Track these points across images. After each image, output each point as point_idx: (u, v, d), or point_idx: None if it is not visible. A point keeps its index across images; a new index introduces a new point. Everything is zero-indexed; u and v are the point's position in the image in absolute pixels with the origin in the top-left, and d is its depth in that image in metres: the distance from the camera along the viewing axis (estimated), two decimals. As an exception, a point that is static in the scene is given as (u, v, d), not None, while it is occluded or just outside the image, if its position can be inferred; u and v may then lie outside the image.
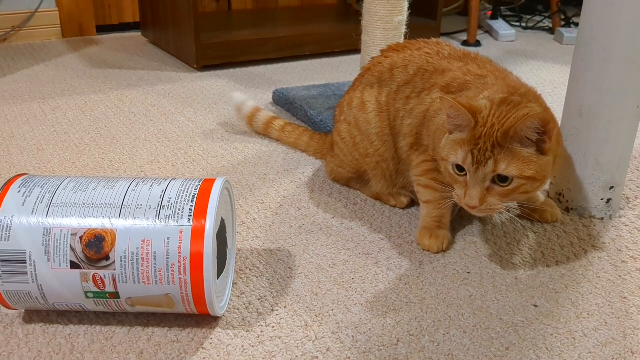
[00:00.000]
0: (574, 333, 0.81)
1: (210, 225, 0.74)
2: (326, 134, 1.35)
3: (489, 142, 0.84)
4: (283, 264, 0.96)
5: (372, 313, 0.84)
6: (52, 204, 0.76)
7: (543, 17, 2.88)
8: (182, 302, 0.76)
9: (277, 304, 0.86)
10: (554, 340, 0.80)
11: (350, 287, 0.90)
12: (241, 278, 0.92)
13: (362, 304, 0.86)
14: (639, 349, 0.79)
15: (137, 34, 2.58)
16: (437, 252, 0.99)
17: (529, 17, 2.87)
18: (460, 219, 1.09)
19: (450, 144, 0.88)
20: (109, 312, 0.83)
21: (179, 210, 0.75)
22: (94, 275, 0.74)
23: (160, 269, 0.74)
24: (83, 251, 0.73)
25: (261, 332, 0.81)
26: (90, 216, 0.75)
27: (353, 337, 0.80)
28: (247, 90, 1.85)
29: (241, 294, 0.88)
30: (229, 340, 0.79)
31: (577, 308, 0.86)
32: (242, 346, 0.78)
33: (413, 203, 1.14)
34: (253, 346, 0.78)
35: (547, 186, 1.19)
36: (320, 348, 0.78)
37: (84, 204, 0.76)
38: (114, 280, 0.74)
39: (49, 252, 0.74)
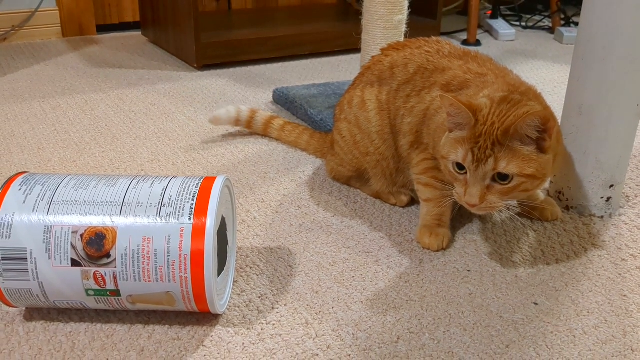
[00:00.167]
0: (574, 331, 0.81)
1: (211, 223, 0.74)
2: (326, 133, 1.35)
3: (489, 140, 0.84)
4: (283, 262, 0.96)
5: (373, 311, 0.85)
6: (53, 202, 0.76)
7: (543, 17, 2.88)
8: (182, 299, 0.76)
9: (277, 302, 0.86)
10: (554, 338, 0.80)
11: (350, 285, 0.90)
12: (242, 276, 0.92)
13: (362, 302, 0.86)
14: (639, 347, 0.79)
15: (137, 34, 2.58)
16: (437, 250, 0.99)
17: (528, 16, 2.87)
18: (460, 217, 1.09)
19: (451, 142, 0.88)
20: (109, 310, 0.84)
21: (180, 208, 0.76)
22: (94, 273, 0.74)
23: (161, 266, 0.74)
24: (84, 249, 0.74)
25: (262, 329, 0.81)
26: (91, 214, 0.75)
27: (353, 334, 0.80)
28: (247, 89, 1.85)
29: (242, 292, 0.88)
30: (229, 337, 0.79)
31: (577, 306, 0.86)
32: (243, 344, 0.78)
33: (413, 201, 1.14)
34: (254, 344, 0.78)
35: (547, 184, 1.19)
36: (321, 345, 0.78)
37: (85, 201, 0.76)
38: (115, 278, 0.74)
39: (49, 249, 0.74)
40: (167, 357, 0.76)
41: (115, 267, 0.74)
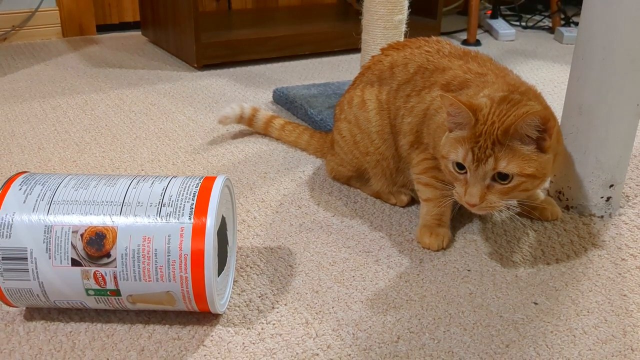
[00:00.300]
0: (574, 330, 0.81)
1: (211, 223, 0.74)
2: (326, 133, 1.35)
3: (489, 139, 0.84)
4: (283, 262, 0.96)
5: (373, 310, 0.85)
6: (53, 202, 0.76)
7: (543, 17, 2.88)
8: (183, 299, 0.76)
9: (277, 302, 0.86)
10: (554, 338, 0.80)
11: (350, 284, 0.90)
12: (242, 276, 0.92)
13: (362, 302, 0.86)
14: (639, 346, 0.79)
15: (137, 33, 2.58)
16: (437, 250, 0.99)
17: (528, 16, 2.88)
18: (460, 217, 1.09)
19: (451, 142, 0.88)
20: (109, 310, 0.84)
21: (180, 207, 0.76)
22: (95, 273, 0.74)
23: (161, 266, 0.74)
24: (84, 248, 0.74)
25: (262, 329, 0.81)
26: (91, 214, 0.75)
27: (353, 334, 0.80)
28: (247, 89, 1.86)
29: (242, 292, 0.88)
30: (229, 337, 0.79)
31: (577, 305, 0.86)
32: (243, 343, 0.78)
33: (413, 201, 1.14)
34: (254, 343, 0.78)
35: (547, 184, 1.19)
36: (321, 345, 0.78)
37: (85, 201, 0.76)
38: (115, 278, 0.74)
39: (50, 249, 0.74)
40: (167, 356, 0.76)
41: (116, 266, 0.74)
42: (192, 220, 0.75)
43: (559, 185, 1.13)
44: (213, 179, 0.81)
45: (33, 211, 0.75)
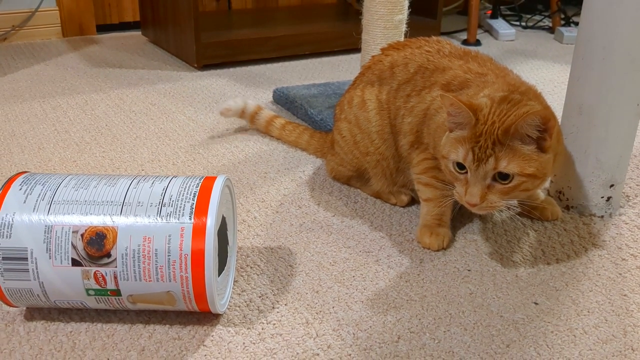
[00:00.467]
0: (574, 330, 0.81)
1: (211, 223, 0.74)
2: (326, 133, 1.35)
3: (490, 139, 0.84)
4: (284, 262, 0.96)
5: (373, 310, 0.85)
6: (53, 202, 0.76)
7: (543, 17, 2.88)
8: (183, 299, 0.76)
9: (278, 302, 0.86)
10: (555, 338, 0.80)
11: (350, 284, 0.90)
12: (242, 276, 0.92)
13: (362, 302, 0.86)
14: (639, 346, 0.79)
15: (137, 33, 2.58)
16: (438, 250, 0.99)
17: (528, 16, 2.88)
18: (460, 216, 1.09)
19: (451, 142, 0.88)
20: (110, 310, 0.84)
21: (180, 207, 0.76)
22: (95, 273, 0.74)
23: (161, 266, 0.74)
24: (84, 248, 0.74)
25: (262, 329, 0.81)
26: (91, 213, 0.75)
27: (354, 334, 0.80)
28: (248, 89, 1.86)
29: (242, 292, 0.88)
30: (230, 337, 0.79)
31: (577, 305, 0.86)
32: (243, 343, 0.78)
33: (413, 201, 1.14)
34: (254, 343, 0.78)
35: (547, 184, 1.19)
36: (321, 345, 0.78)
37: (85, 201, 0.76)
38: (115, 278, 0.74)
39: (50, 249, 0.74)
40: (167, 356, 0.76)
41: (116, 266, 0.74)
42: (193, 220, 0.75)
43: (559, 185, 1.13)
44: (213, 178, 0.81)
45: (33, 211, 0.75)
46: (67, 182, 0.79)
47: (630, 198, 1.17)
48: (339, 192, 1.19)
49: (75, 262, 0.74)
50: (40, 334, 0.79)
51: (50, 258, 0.74)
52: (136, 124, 1.55)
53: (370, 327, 0.81)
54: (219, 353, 0.76)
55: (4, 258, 0.74)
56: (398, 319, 0.83)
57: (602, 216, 1.10)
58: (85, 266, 0.74)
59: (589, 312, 0.85)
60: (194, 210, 0.75)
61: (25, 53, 2.25)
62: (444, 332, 0.81)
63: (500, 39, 2.57)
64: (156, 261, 0.74)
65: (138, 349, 0.77)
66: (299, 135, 1.38)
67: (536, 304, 0.87)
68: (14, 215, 0.75)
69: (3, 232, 0.74)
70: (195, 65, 2.06)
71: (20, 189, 0.78)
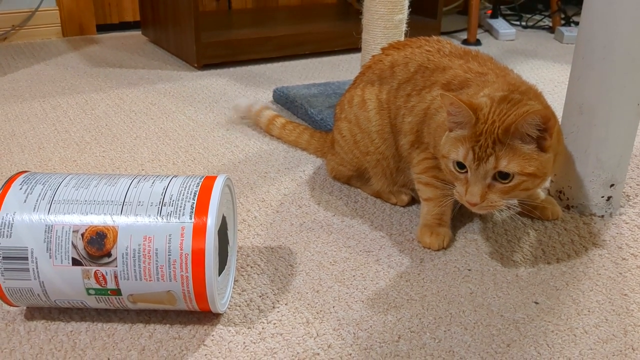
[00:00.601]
0: (575, 330, 0.81)
1: (211, 222, 0.74)
2: (326, 132, 1.35)
3: (490, 138, 0.84)
4: (284, 262, 0.96)
5: (373, 310, 0.85)
6: (53, 201, 0.76)
7: (543, 16, 2.88)
8: (183, 298, 0.76)
9: (278, 301, 0.86)
10: (555, 337, 0.80)
11: (351, 284, 0.90)
12: (242, 275, 0.92)
13: (363, 301, 0.86)
14: (640, 346, 0.79)
15: (137, 33, 2.58)
16: (438, 250, 0.99)
17: (529, 16, 2.87)
18: (461, 216, 1.09)
19: (451, 141, 0.88)
20: (110, 309, 0.84)
21: (181, 207, 0.76)
22: (95, 272, 0.74)
23: (161, 265, 0.74)
24: (85, 248, 0.74)
25: (262, 328, 0.81)
26: (91, 213, 0.75)
27: (354, 333, 0.80)
28: (248, 88, 1.85)
29: (242, 291, 0.88)
30: (230, 337, 0.79)
31: (577, 305, 0.86)
32: (244, 343, 0.78)
33: (414, 201, 1.14)
34: (254, 343, 0.78)
35: (547, 184, 1.19)
36: (322, 345, 0.78)
37: (86, 200, 0.76)
38: (116, 277, 0.74)
39: (50, 248, 0.74)
40: (168, 356, 0.76)
41: (116, 266, 0.74)
42: (193, 219, 0.75)
43: (559, 185, 1.13)
44: (214, 178, 0.81)
45: (34, 211, 0.75)
46: (68, 181, 0.79)
47: (631, 197, 1.17)
48: (339, 192, 1.19)
49: (75, 262, 0.74)
50: (40, 333, 0.79)
51: (50, 257, 0.74)
52: (136, 123, 1.55)
53: (371, 326, 0.81)
54: (220, 352, 0.76)
55: (4, 257, 0.74)
56: (398, 318, 0.83)
57: (603, 216, 1.10)
58: (86, 266, 0.74)
59: (589, 311, 0.85)
60: (194, 209, 0.75)
61: (25, 53, 2.25)
62: (445, 331, 0.81)
63: (501, 39, 2.57)
64: (156, 261, 0.74)
65: (138, 349, 0.77)
66: (299, 135, 1.38)
67: (537, 303, 0.87)
68: (14, 214, 0.75)
69: (3, 231, 0.74)
70: (196, 65, 2.06)
71: (21, 189, 0.78)
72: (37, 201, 0.76)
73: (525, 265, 0.96)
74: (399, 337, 0.79)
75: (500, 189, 0.86)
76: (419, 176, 1.03)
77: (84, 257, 0.74)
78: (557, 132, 0.93)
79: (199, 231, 0.74)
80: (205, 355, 0.76)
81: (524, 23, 2.83)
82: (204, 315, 0.83)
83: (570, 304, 0.87)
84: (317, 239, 1.02)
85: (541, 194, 1.11)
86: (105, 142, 1.43)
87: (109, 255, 0.74)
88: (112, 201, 0.76)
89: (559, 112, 1.02)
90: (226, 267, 0.86)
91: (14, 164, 1.30)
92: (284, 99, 1.66)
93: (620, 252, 0.99)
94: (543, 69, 2.13)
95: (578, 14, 2.72)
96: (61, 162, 1.32)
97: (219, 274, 0.81)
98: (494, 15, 2.73)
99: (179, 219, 0.75)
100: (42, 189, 0.77)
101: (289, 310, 0.84)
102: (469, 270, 0.94)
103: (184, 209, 0.75)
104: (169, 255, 0.74)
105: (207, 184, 0.79)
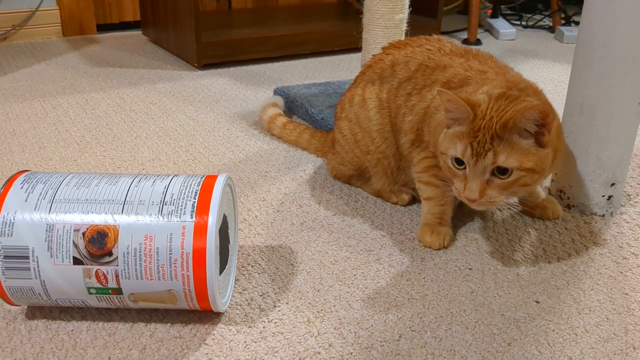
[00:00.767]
0: (576, 329, 0.81)
1: (212, 221, 0.74)
2: (327, 132, 1.35)
3: (488, 134, 0.84)
4: (285, 261, 0.96)
5: (374, 309, 0.85)
6: (54, 200, 0.76)
7: (543, 16, 2.88)
8: (184, 298, 0.76)
9: (279, 300, 0.86)
10: (556, 336, 0.80)
11: (352, 283, 0.90)
12: (243, 274, 0.92)
13: (364, 300, 0.86)
14: (641, 345, 0.79)
15: (137, 33, 2.58)
16: (439, 249, 0.99)
17: (529, 15, 2.87)
18: (461, 215, 1.09)
19: (449, 138, 0.88)
20: (111, 308, 0.84)
21: (182, 206, 0.76)
22: (96, 271, 0.74)
23: (162, 264, 0.74)
24: (86, 247, 0.74)
25: (263, 327, 0.81)
26: (92, 212, 0.75)
27: (355, 332, 0.80)
28: (248, 88, 1.85)
29: (243, 290, 0.88)
30: (231, 336, 0.79)
31: (578, 304, 0.86)
32: (245, 342, 0.78)
33: (414, 200, 1.14)
34: (255, 342, 0.78)
35: (547, 183, 1.19)
36: (323, 344, 0.78)
37: (87, 200, 0.76)
38: (117, 276, 0.74)
39: (51, 248, 0.74)
40: (169, 355, 0.76)
41: (117, 265, 0.74)
42: (194, 218, 0.75)
43: (560, 184, 1.13)
44: (214, 177, 0.81)
45: (35, 210, 0.75)
46: (69, 180, 0.79)
47: (631, 197, 1.17)
48: (340, 191, 1.19)
49: (76, 261, 0.74)
50: (41, 332, 0.79)
51: (51, 256, 0.74)
52: (137, 123, 1.55)
53: (372, 325, 0.81)
54: (221, 351, 0.76)
55: (5, 256, 0.74)
56: (399, 317, 0.83)
57: (603, 215, 1.10)
58: (87, 265, 0.74)
59: (590, 310, 0.85)
60: (195, 208, 0.75)
61: (25, 52, 2.25)
62: (446, 330, 0.81)
63: (501, 39, 2.57)
64: (157, 260, 0.74)
65: (139, 348, 0.77)
66: (300, 135, 1.38)
67: (537, 302, 0.87)
68: (15, 213, 0.75)
69: (4, 230, 0.74)
70: (196, 65, 2.06)
71: (22, 188, 0.78)
72: (38, 200, 0.76)
73: (526, 265, 0.96)
74: (400, 336, 0.79)
75: (499, 185, 0.85)
76: (419, 175, 1.03)
77: (85, 256, 0.74)
78: (558, 129, 0.93)
79: (200, 230, 0.74)
80: (207, 354, 0.76)
81: (524, 23, 2.83)
82: (205, 314, 0.83)
83: (571, 303, 0.87)
84: (317, 238, 1.02)
85: (542, 193, 1.11)
86: (105, 141, 1.43)
87: (110, 254, 0.74)
88: (113, 200, 0.76)
89: (559, 112, 1.02)
90: (227, 266, 0.86)
91: (14, 164, 1.30)
92: (284, 99, 1.66)
93: (620, 251, 0.99)
94: (543, 68, 2.13)
95: (578, 13, 2.72)
96: (62, 162, 1.32)
97: (220, 273, 0.81)
98: (494, 15, 2.73)
99: (180, 218, 0.75)
100: (43, 188, 0.77)
101: (289, 309, 0.84)
102: (470, 269, 0.94)
103: (185, 208, 0.75)
104: (170, 254, 0.74)
105: (208, 183, 0.79)
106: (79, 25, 2.52)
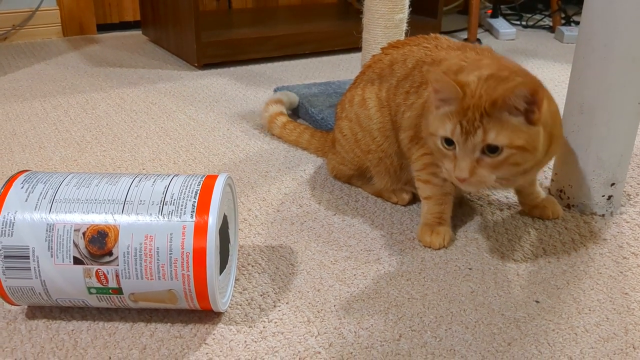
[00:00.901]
0: (576, 328, 0.81)
1: (213, 221, 0.74)
2: (327, 132, 1.35)
3: (477, 112, 0.83)
4: (285, 261, 0.96)
5: (374, 309, 0.85)
6: (55, 200, 0.76)
7: (543, 16, 2.88)
8: (184, 297, 0.76)
9: (279, 300, 0.86)
10: (556, 336, 0.80)
11: (352, 283, 0.90)
12: (243, 274, 0.92)
13: (364, 300, 0.86)
14: (641, 344, 0.79)
15: (137, 33, 2.58)
16: (439, 249, 0.99)
17: (529, 15, 2.88)
18: (461, 215, 1.10)
19: (439, 118, 0.87)
20: (111, 308, 0.84)
21: (182, 206, 0.76)
22: (97, 271, 0.74)
23: (163, 264, 0.74)
24: (86, 247, 0.74)
25: (264, 327, 0.81)
26: (93, 212, 0.75)
27: (355, 332, 0.80)
28: (248, 88, 1.86)
29: (243, 290, 0.88)
30: (231, 335, 0.79)
31: (578, 304, 0.86)
32: (245, 342, 0.78)
33: (415, 200, 1.14)
34: (256, 342, 0.78)
35: (547, 183, 1.19)
36: (323, 343, 0.78)
37: (87, 199, 0.76)
38: (117, 276, 0.74)
39: (52, 247, 0.74)
40: (169, 355, 0.76)
41: (118, 265, 0.74)
42: (194, 218, 0.75)
43: (560, 184, 1.14)
44: (215, 177, 0.81)
45: (35, 209, 0.75)
46: (69, 180, 0.79)
47: (631, 197, 1.17)
48: (340, 191, 1.19)
49: (77, 261, 0.74)
50: (41, 332, 0.79)
51: (52, 256, 0.74)
52: (137, 123, 1.55)
53: (372, 325, 0.81)
54: (221, 351, 0.76)
55: (5, 256, 0.74)
56: (399, 317, 0.83)
57: (603, 215, 1.10)
58: (87, 264, 0.74)
59: (590, 310, 0.85)
60: (195, 208, 0.75)
61: (25, 52, 2.25)
62: (446, 330, 0.81)
63: (501, 38, 2.57)
64: (158, 259, 0.74)
65: (140, 347, 0.77)
66: (300, 135, 1.38)
67: (537, 302, 0.87)
68: (15, 213, 0.75)
69: (5, 230, 0.74)
70: (196, 65, 2.06)
71: (22, 188, 0.78)
72: (38, 200, 0.76)
73: (526, 264, 0.96)
74: (400, 336, 0.79)
75: (489, 164, 0.84)
76: (418, 174, 1.03)
77: (85, 256, 0.74)
78: (554, 114, 0.92)
79: (200, 230, 0.74)
80: (207, 353, 0.76)
81: (524, 22, 2.83)
82: (205, 314, 0.83)
83: (571, 302, 0.87)
84: (317, 238, 1.02)
85: (542, 193, 1.11)
86: (106, 141, 1.43)
87: (110, 254, 0.74)
88: (113, 200, 0.76)
89: (559, 112, 1.02)
90: (227, 266, 0.86)
91: (15, 163, 1.30)
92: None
93: (620, 251, 0.99)
94: (543, 68, 2.13)
95: (578, 13, 2.72)
96: (62, 162, 1.32)
97: (220, 273, 0.81)
98: (494, 15, 2.73)
99: (180, 217, 0.75)
100: (43, 188, 0.78)
101: (290, 309, 0.84)
102: (470, 269, 0.94)
103: (185, 208, 0.75)
104: (170, 254, 0.74)
105: (208, 183, 0.79)
106: (79, 25, 2.52)
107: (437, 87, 0.86)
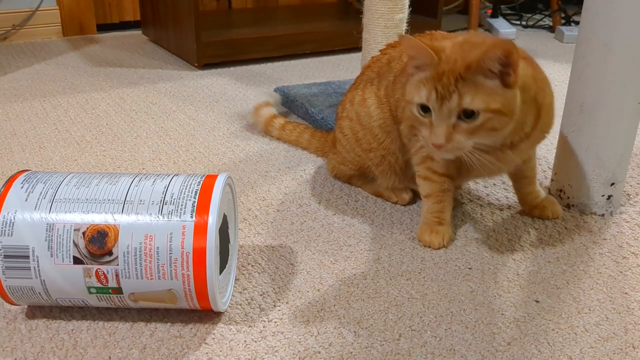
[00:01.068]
0: (576, 328, 0.81)
1: (212, 221, 0.74)
2: (327, 132, 1.35)
3: (452, 77, 0.82)
4: (285, 260, 0.96)
5: (374, 308, 0.85)
6: (55, 200, 0.76)
7: (543, 16, 2.88)
8: (184, 297, 0.76)
9: (279, 300, 0.86)
10: (556, 336, 0.80)
11: (352, 282, 0.90)
12: (243, 274, 0.92)
13: (363, 300, 0.86)
14: (640, 344, 0.79)
15: (137, 33, 2.58)
16: (438, 248, 0.99)
17: (529, 15, 2.88)
18: (461, 215, 1.10)
19: (414, 84, 0.87)
20: (111, 308, 0.84)
21: (182, 205, 0.76)
22: (96, 271, 0.74)
23: (163, 264, 0.74)
24: (86, 246, 0.74)
25: (263, 327, 0.81)
26: (93, 212, 0.75)
27: (355, 332, 0.80)
28: (248, 88, 1.86)
29: (243, 290, 0.88)
30: (231, 335, 0.79)
31: (578, 303, 0.86)
32: (245, 341, 0.78)
33: (415, 199, 1.14)
34: (255, 341, 0.78)
35: (547, 183, 1.19)
36: (323, 343, 0.78)
37: (87, 199, 0.76)
38: (117, 276, 0.74)
39: (52, 247, 0.74)
40: (169, 354, 0.76)
41: (118, 264, 0.74)
42: (194, 218, 0.75)
43: (560, 184, 1.14)
44: (215, 177, 0.81)
45: (35, 209, 0.75)
46: (69, 180, 0.79)
47: (631, 196, 1.17)
48: (340, 191, 1.19)
49: (76, 260, 0.74)
50: (41, 332, 0.79)
51: (52, 256, 0.74)
52: (137, 122, 1.55)
53: (372, 325, 0.81)
54: (221, 351, 0.76)
55: (5, 256, 0.74)
56: (399, 317, 0.83)
57: (603, 214, 1.10)
58: (87, 264, 0.74)
59: (589, 310, 0.85)
60: (195, 208, 0.75)
61: (25, 52, 2.25)
62: (445, 330, 0.81)
63: (501, 38, 2.57)
64: (158, 259, 0.74)
65: (139, 347, 0.77)
66: (300, 135, 1.38)
67: (537, 302, 0.87)
68: (15, 213, 0.75)
69: (5, 230, 0.74)
70: (196, 64, 2.06)
71: (22, 187, 0.78)
72: (38, 200, 0.76)
73: (525, 264, 0.96)
74: (399, 336, 0.79)
75: (465, 129, 0.84)
76: (417, 168, 1.03)
77: (85, 256, 0.74)
78: (542, 82, 0.91)
79: (200, 230, 0.74)
80: (207, 353, 0.76)
81: (524, 22, 2.83)
82: (205, 314, 0.83)
83: (570, 302, 0.87)
84: (317, 238, 1.02)
85: (541, 192, 1.11)
86: (105, 141, 1.43)
87: (110, 253, 0.74)
88: (113, 200, 0.76)
89: (559, 112, 1.02)
90: (227, 265, 0.86)
91: (14, 163, 1.30)
92: (284, 99, 1.66)
93: (620, 251, 0.99)
94: (543, 68, 2.11)
95: (578, 13, 2.72)
96: (62, 161, 1.32)
97: (220, 273, 0.81)
98: (494, 15, 2.73)
99: (180, 217, 0.75)
100: (43, 188, 0.78)
101: (289, 309, 0.84)
102: (470, 268, 0.94)
103: (185, 208, 0.75)
104: (170, 253, 0.74)
105: (208, 182, 0.79)
106: (79, 25, 2.52)
107: (412, 54, 0.86)
